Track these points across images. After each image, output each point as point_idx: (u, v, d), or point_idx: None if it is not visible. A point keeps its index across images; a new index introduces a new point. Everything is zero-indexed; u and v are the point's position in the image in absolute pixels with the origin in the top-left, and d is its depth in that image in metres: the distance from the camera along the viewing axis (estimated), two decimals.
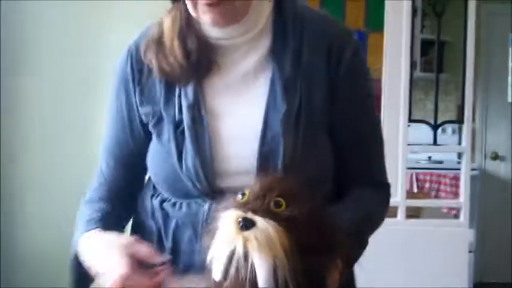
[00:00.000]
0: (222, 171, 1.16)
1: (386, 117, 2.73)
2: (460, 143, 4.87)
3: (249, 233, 0.87)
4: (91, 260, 1.15)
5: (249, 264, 0.86)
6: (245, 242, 0.86)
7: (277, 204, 0.91)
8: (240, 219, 0.88)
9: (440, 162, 4.99)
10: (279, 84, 1.17)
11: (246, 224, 0.87)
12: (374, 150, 1.30)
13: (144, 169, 1.28)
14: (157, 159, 1.23)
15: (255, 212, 0.89)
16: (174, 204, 1.22)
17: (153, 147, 1.24)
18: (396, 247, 2.66)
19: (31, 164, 2.89)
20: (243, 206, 0.91)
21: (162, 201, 1.24)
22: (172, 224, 1.22)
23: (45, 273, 2.87)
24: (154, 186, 1.27)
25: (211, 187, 1.15)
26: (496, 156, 5.56)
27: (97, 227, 1.20)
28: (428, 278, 2.62)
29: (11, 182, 2.90)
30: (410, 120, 2.79)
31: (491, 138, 5.58)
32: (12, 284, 2.91)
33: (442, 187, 4.84)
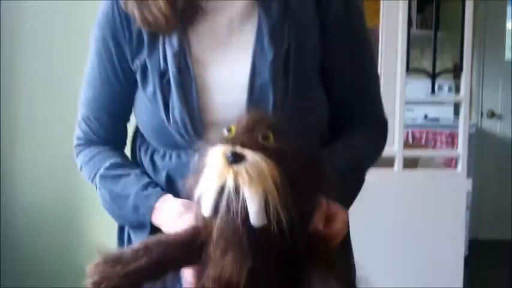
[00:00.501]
0: (211, 122, 1.14)
1: (384, 67, 2.70)
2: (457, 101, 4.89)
3: (239, 167, 0.84)
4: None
5: (240, 198, 0.84)
6: (236, 175, 0.84)
7: (265, 138, 0.89)
8: (228, 153, 0.85)
9: (437, 119, 4.97)
10: (266, 29, 1.14)
11: (235, 158, 0.85)
12: (372, 86, 1.29)
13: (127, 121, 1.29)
14: (144, 110, 1.20)
15: (243, 145, 0.87)
16: (163, 155, 1.20)
17: (139, 98, 1.21)
18: (393, 197, 2.65)
19: (30, 117, 2.92)
20: (230, 140, 0.89)
21: (152, 153, 1.22)
22: (163, 176, 1.20)
23: (45, 224, 2.88)
24: (142, 137, 1.25)
25: (200, 138, 1.11)
26: (492, 114, 5.55)
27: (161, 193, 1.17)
28: (425, 228, 2.62)
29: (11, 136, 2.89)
30: (408, 70, 2.76)
31: (488, 97, 5.56)
32: (12, 235, 2.91)
33: (438, 144, 4.83)
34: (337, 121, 1.25)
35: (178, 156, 1.17)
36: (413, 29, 4.98)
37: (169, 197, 1.15)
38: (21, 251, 2.96)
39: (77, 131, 1.31)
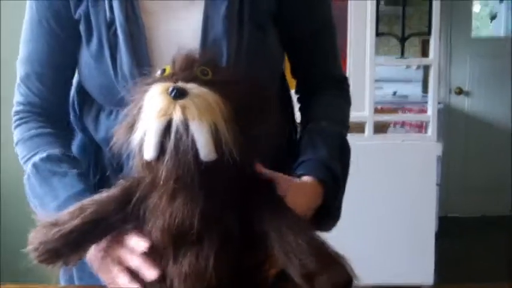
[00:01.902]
0: None
1: (353, 31, 2.66)
2: (424, 78, 4.87)
3: (184, 101, 0.79)
4: None
5: (189, 134, 0.78)
6: (183, 109, 0.78)
7: (204, 73, 0.84)
8: (170, 88, 0.80)
9: (406, 96, 4.95)
10: None
11: (179, 93, 0.79)
12: (329, 43, 1.23)
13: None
14: (89, 68, 1.11)
15: (184, 81, 0.82)
16: (109, 113, 1.12)
17: (83, 55, 1.11)
18: (364, 162, 2.60)
19: None
20: (169, 78, 0.84)
21: (97, 112, 1.14)
22: (105, 137, 1.11)
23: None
24: (85, 94, 1.16)
25: None
26: (460, 91, 5.55)
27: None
28: (396, 194, 2.59)
29: None
30: (378, 34, 2.73)
31: (455, 74, 5.56)
32: None
33: (408, 121, 4.80)
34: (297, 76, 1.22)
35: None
36: (381, 5, 4.93)
37: None
38: None
39: (16, 95, 1.20)
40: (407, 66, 5.02)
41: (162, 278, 0.85)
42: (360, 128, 2.62)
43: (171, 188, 0.82)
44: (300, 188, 1.01)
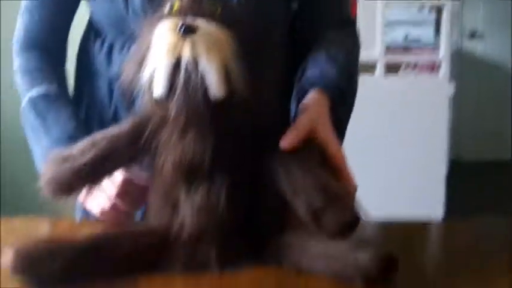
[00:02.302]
0: None
1: None
2: (437, 21, 4.81)
3: (194, 37, 0.79)
4: None
5: (199, 71, 0.79)
6: (192, 46, 0.79)
7: (213, 8, 0.84)
8: (179, 25, 0.80)
9: (417, 40, 4.90)
10: None
11: (189, 29, 0.79)
12: None
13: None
14: (100, 1, 1.11)
15: (193, 16, 0.81)
16: (122, 48, 1.13)
17: None
18: (375, 104, 2.59)
19: None
20: (177, 14, 0.83)
21: (110, 47, 1.15)
22: (118, 71, 1.10)
23: None
24: (96, 30, 1.17)
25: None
26: (473, 34, 5.50)
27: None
28: (408, 134, 2.59)
29: None
30: None
31: (468, 17, 5.50)
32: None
33: (420, 64, 4.77)
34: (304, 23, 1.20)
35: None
36: None
37: None
38: None
39: (19, 23, 1.21)
40: (420, 9, 4.95)
41: (176, 213, 0.86)
42: (370, 68, 2.60)
43: (181, 125, 0.83)
44: (312, 101, 1.01)
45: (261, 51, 0.86)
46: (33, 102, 1.13)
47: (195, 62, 0.78)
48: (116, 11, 1.09)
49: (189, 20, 0.80)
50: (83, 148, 0.89)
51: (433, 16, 4.94)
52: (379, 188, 2.55)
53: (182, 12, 0.83)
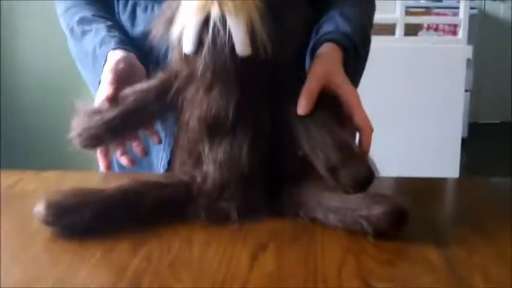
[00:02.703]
0: None
1: None
2: None
3: None
4: None
5: (226, 29, 0.82)
6: (221, 5, 0.82)
7: None
8: None
9: (440, 0, 4.86)
10: None
11: None
12: None
13: None
14: None
15: None
16: (145, 7, 1.16)
17: None
18: (394, 64, 2.60)
19: None
20: None
21: (133, 6, 1.18)
22: (141, 29, 1.16)
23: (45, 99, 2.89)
24: None
25: None
26: None
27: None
28: (425, 95, 2.59)
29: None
30: None
31: None
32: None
33: (441, 26, 4.72)
34: None
35: (161, 7, 1.10)
36: None
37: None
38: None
39: None
40: None
41: (199, 165, 0.90)
42: (390, 29, 2.60)
43: (207, 80, 0.87)
44: (326, 52, 1.03)
45: (286, 5, 0.89)
46: (72, 31, 1.18)
47: (223, 20, 0.82)
48: None
49: None
50: (114, 102, 0.94)
51: None
52: (397, 148, 2.57)
53: None
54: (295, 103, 0.90)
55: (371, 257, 0.76)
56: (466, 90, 4.74)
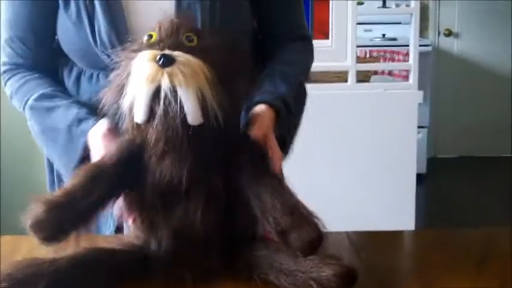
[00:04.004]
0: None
1: None
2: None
3: (172, 68, 0.84)
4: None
5: (178, 100, 0.84)
6: (170, 77, 0.84)
7: (189, 40, 0.89)
8: (158, 56, 0.85)
9: (394, 39, 4.97)
10: None
11: (167, 60, 0.85)
12: (295, 3, 1.29)
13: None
14: (67, 32, 1.15)
15: (170, 48, 0.87)
16: (90, 77, 1.17)
17: (62, 18, 1.15)
18: (347, 110, 2.67)
19: None
20: (155, 45, 0.89)
21: (78, 75, 1.18)
22: (87, 99, 1.16)
23: None
24: (65, 57, 1.20)
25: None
26: (449, 33, 5.57)
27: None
28: (378, 139, 2.66)
29: None
30: None
31: (445, 15, 5.56)
32: None
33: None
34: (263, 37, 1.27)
35: (106, 76, 1.08)
36: None
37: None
38: None
39: (2, 57, 1.24)
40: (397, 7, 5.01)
41: (154, 231, 0.92)
42: (343, 77, 2.68)
43: (160, 150, 0.88)
44: (261, 116, 1.06)
45: (235, 72, 0.92)
46: (32, 108, 1.16)
47: (174, 91, 0.84)
48: (85, 43, 1.13)
49: (167, 51, 0.86)
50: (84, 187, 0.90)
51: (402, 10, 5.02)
52: (350, 193, 2.62)
53: (160, 44, 0.89)
54: (245, 168, 0.92)
55: None
56: (423, 127, 4.87)
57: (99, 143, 1.05)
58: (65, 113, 1.13)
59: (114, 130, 1.02)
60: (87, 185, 0.89)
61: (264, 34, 1.26)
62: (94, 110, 1.08)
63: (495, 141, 5.53)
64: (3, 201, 2.97)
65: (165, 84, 0.84)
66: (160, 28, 0.91)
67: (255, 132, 1.00)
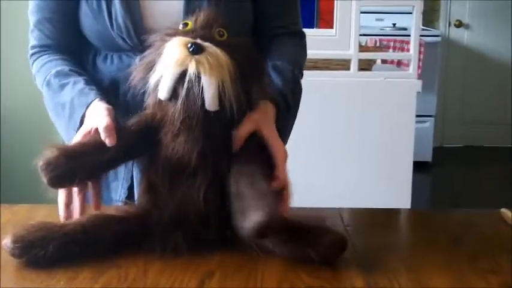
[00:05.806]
0: (151, 28, 1.18)
1: None
2: (425, 10, 4.88)
3: (200, 57, 0.93)
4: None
5: (200, 86, 0.92)
6: (197, 63, 0.92)
7: (220, 34, 0.98)
8: (190, 43, 0.93)
9: (405, 29, 5.00)
10: None
11: (197, 48, 0.93)
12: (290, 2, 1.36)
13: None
14: (87, 16, 1.24)
15: (202, 39, 0.95)
16: (105, 58, 1.26)
17: (84, 5, 1.24)
18: (348, 97, 2.74)
19: None
20: (189, 33, 0.97)
21: (94, 56, 1.27)
22: (107, 79, 1.25)
23: None
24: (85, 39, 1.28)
25: (141, 42, 1.15)
26: (460, 24, 5.58)
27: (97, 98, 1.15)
28: (378, 126, 2.72)
29: None
30: None
31: (456, 6, 5.58)
32: None
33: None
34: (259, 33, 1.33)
35: (120, 58, 1.24)
36: None
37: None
38: None
39: (31, 41, 1.31)
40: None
41: (158, 202, 1.00)
42: (346, 64, 2.75)
43: (176, 128, 0.97)
44: (262, 110, 1.12)
45: (253, 71, 1.01)
46: (49, 84, 1.23)
47: (198, 77, 0.92)
48: (103, 27, 1.22)
49: (199, 40, 0.95)
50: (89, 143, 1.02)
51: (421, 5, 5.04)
52: (350, 179, 2.68)
53: (193, 33, 0.97)
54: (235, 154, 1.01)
55: (305, 283, 0.88)
56: (430, 116, 4.91)
57: (94, 114, 1.10)
58: (72, 87, 1.20)
59: (112, 110, 1.09)
60: (103, 143, 0.99)
61: (260, 30, 1.32)
62: (103, 89, 1.19)
63: (501, 132, 5.57)
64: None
65: (192, 69, 0.92)
66: (196, 19, 1.00)
67: (251, 116, 1.06)
